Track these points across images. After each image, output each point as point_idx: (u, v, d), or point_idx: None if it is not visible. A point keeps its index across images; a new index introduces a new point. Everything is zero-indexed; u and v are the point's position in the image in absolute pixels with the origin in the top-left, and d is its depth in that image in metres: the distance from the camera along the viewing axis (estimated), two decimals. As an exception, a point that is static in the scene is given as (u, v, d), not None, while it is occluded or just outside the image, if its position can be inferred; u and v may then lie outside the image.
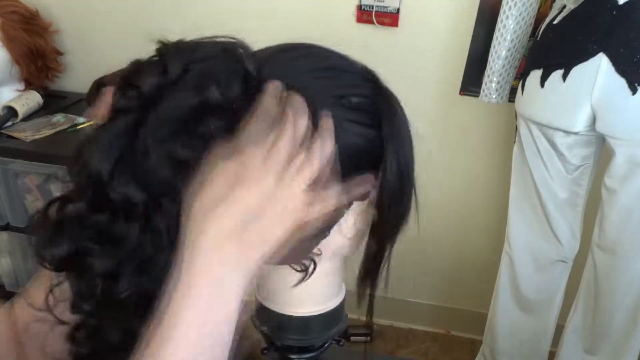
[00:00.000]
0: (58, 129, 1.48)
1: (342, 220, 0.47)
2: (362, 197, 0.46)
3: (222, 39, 0.43)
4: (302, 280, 0.50)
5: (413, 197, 0.47)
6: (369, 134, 0.43)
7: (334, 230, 0.47)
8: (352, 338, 1.84)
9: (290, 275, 0.51)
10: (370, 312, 0.52)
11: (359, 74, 0.46)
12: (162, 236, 0.38)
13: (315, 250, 0.48)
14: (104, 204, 0.38)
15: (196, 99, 0.38)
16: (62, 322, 0.43)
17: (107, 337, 0.41)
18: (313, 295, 0.56)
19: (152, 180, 0.37)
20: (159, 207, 0.38)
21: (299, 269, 0.49)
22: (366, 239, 0.51)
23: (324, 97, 0.42)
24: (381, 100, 0.45)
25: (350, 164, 0.42)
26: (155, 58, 0.41)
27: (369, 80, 0.46)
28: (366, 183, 0.45)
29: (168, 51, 0.41)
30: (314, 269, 0.49)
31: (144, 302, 0.38)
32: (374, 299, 0.52)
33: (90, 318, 0.41)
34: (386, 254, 0.50)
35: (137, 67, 0.41)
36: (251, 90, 0.39)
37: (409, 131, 0.47)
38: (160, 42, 0.41)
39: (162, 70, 0.39)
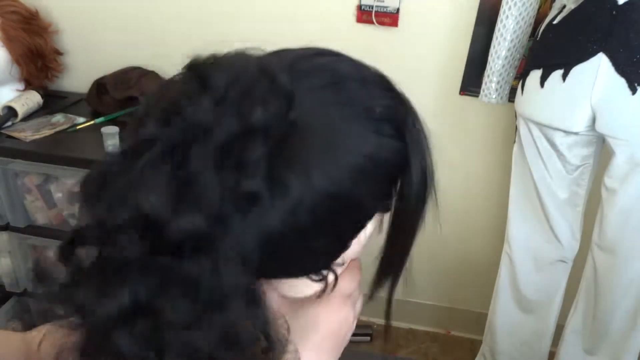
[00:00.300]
0: (58, 129, 1.48)
1: (361, 232, 0.47)
2: (386, 209, 0.47)
3: (252, 52, 0.41)
4: (324, 291, 0.49)
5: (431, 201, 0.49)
6: (393, 144, 0.43)
7: (354, 242, 0.47)
8: (352, 338, 1.84)
9: (306, 287, 0.50)
10: (388, 315, 0.56)
11: (378, 83, 0.45)
12: (227, 267, 0.36)
13: (338, 261, 0.47)
14: (161, 244, 0.35)
15: (241, 124, 0.36)
16: None
17: None
18: None
19: (209, 212, 0.35)
20: (221, 239, 0.36)
21: (316, 278, 0.48)
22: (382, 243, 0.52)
23: (346, 111, 0.41)
24: (401, 109, 0.45)
25: (383, 177, 0.43)
26: (184, 83, 0.39)
27: (387, 90, 0.46)
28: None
29: (210, 70, 0.38)
30: (336, 280, 0.49)
31: (220, 340, 0.37)
32: (391, 303, 0.55)
33: None
34: (405, 260, 0.51)
35: (180, 90, 0.38)
36: (285, 108, 0.38)
37: (428, 139, 0.47)
38: (195, 59, 0.39)
39: (195, 97, 0.37)
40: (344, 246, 0.46)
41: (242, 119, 0.36)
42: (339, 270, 0.49)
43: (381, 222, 0.49)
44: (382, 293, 0.55)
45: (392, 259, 0.52)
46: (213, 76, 0.38)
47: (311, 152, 0.39)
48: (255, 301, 0.39)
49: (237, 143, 0.36)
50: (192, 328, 0.36)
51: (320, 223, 0.41)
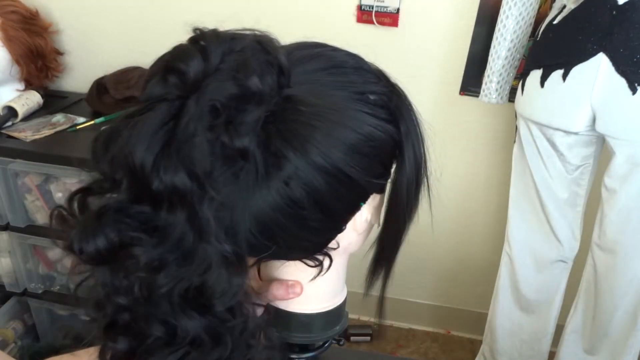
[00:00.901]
0: (58, 128, 1.48)
1: (357, 215, 0.47)
2: (380, 190, 0.49)
3: (255, 32, 0.43)
4: (319, 275, 0.51)
5: (424, 191, 0.50)
6: (388, 128, 0.45)
7: (349, 225, 0.48)
8: (352, 338, 1.84)
9: (301, 272, 0.51)
10: (380, 309, 0.55)
11: (375, 73, 0.48)
12: (207, 226, 0.38)
13: (331, 245, 0.48)
14: (145, 194, 0.38)
15: (237, 88, 0.38)
16: None
17: (145, 331, 0.40)
18: (319, 292, 0.56)
19: (196, 170, 0.37)
20: (203, 198, 0.37)
21: (312, 264, 0.49)
22: (376, 235, 0.53)
23: (343, 92, 0.44)
24: (396, 97, 0.47)
25: (376, 155, 0.45)
26: (194, 44, 0.40)
27: (383, 79, 0.48)
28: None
29: (208, 38, 0.40)
30: (330, 264, 0.50)
31: (187, 295, 0.39)
32: (384, 297, 0.54)
33: (124, 313, 0.41)
34: (398, 248, 0.52)
35: (178, 53, 0.40)
36: (282, 83, 0.40)
37: (422, 129, 0.49)
38: (198, 29, 0.41)
39: (205, 57, 0.39)
40: (338, 227, 0.47)
41: (238, 83, 0.38)
42: (334, 254, 0.49)
43: (378, 210, 0.50)
44: (377, 292, 0.55)
45: (385, 251, 0.53)
46: (213, 43, 0.39)
47: (307, 127, 0.41)
48: (227, 269, 0.39)
49: (231, 104, 0.38)
50: (157, 275, 0.38)
51: (314, 198, 0.42)
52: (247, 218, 0.41)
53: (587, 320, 1.41)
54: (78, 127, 1.50)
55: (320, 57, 0.45)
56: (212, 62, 0.39)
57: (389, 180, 0.49)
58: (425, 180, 0.50)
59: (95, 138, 0.40)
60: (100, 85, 1.57)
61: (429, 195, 0.51)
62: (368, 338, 1.86)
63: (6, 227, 1.52)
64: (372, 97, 0.45)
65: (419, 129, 0.48)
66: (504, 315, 1.52)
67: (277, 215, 0.41)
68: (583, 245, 1.38)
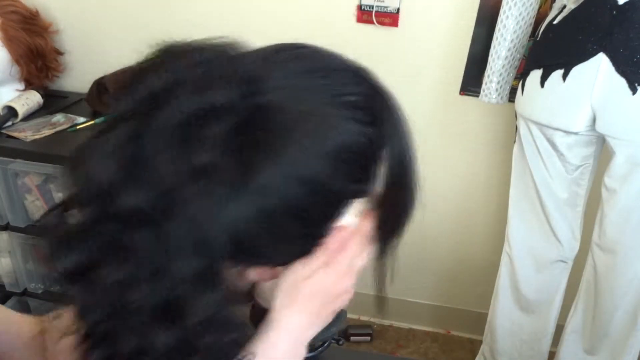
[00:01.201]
0: (58, 128, 1.48)
1: (343, 220, 0.47)
2: (361, 195, 0.47)
3: (218, 40, 0.42)
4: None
5: (416, 192, 0.49)
6: (368, 132, 0.43)
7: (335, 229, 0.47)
8: (352, 338, 1.84)
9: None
10: (381, 309, 0.55)
11: (355, 73, 0.46)
12: (175, 243, 0.38)
13: (320, 248, 0.48)
14: (111, 213, 0.38)
15: (198, 102, 0.37)
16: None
17: (119, 344, 0.40)
18: None
19: (160, 188, 0.37)
20: (169, 215, 0.37)
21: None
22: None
23: (321, 96, 0.42)
24: (378, 98, 0.46)
25: (353, 161, 0.43)
26: (152, 61, 0.40)
27: (364, 79, 0.46)
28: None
29: (166, 54, 0.40)
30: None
31: (158, 309, 0.39)
32: (384, 297, 0.53)
33: (99, 325, 0.41)
34: (392, 250, 0.51)
35: (135, 72, 0.40)
36: (249, 92, 0.39)
37: (407, 127, 0.47)
38: (157, 44, 0.41)
39: (161, 74, 0.39)
40: (322, 233, 0.46)
41: (198, 98, 0.37)
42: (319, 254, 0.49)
43: (369, 212, 0.49)
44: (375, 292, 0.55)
45: (380, 252, 0.52)
46: (173, 57, 0.39)
47: (280, 137, 0.40)
48: (198, 284, 0.39)
49: (191, 120, 0.37)
50: (127, 291, 0.38)
51: (289, 208, 0.41)
52: (222, 230, 0.40)
53: (587, 320, 1.41)
54: (78, 127, 1.50)
55: (296, 60, 0.44)
56: (171, 77, 0.38)
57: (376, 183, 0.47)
58: (414, 180, 0.48)
59: (68, 156, 0.40)
60: (100, 85, 1.57)
61: (419, 193, 0.49)
62: (368, 338, 1.86)
63: (6, 227, 1.52)
64: (352, 98, 0.44)
65: (403, 129, 0.47)
66: (504, 315, 1.52)
67: (252, 226, 0.41)
68: (583, 245, 1.38)
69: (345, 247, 0.48)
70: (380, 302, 0.54)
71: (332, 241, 0.47)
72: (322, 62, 0.45)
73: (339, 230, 0.47)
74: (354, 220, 0.48)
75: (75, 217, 0.40)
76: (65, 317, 0.46)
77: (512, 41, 1.29)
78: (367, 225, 0.49)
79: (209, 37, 0.43)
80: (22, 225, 1.51)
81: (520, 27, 1.28)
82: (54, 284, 0.41)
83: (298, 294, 0.48)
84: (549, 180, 1.30)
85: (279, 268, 0.50)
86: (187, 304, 0.39)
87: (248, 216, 0.40)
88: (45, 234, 0.41)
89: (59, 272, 0.39)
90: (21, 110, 1.49)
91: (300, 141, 0.40)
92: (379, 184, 0.46)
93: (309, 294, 0.48)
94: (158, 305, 0.39)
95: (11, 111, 1.48)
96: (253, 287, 0.60)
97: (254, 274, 0.52)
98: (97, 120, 1.51)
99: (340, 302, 0.51)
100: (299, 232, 0.44)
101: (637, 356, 1.36)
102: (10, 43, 1.47)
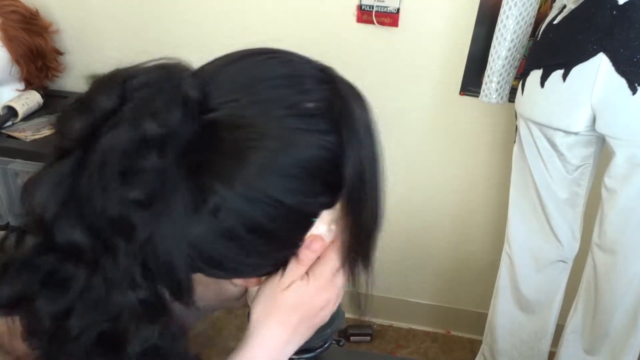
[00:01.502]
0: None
1: (313, 230, 0.46)
2: (327, 206, 0.45)
3: (162, 62, 0.41)
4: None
5: (382, 200, 0.47)
6: (327, 141, 0.42)
7: (306, 240, 0.46)
8: (352, 338, 1.84)
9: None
10: (361, 312, 0.53)
11: (315, 77, 0.44)
12: (113, 278, 0.37)
13: (294, 258, 0.48)
14: (51, 245, 0.37)
15: (133, 134, 0.36)
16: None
17: None
18: None
19: (99, 222, 0.36)
20: (108, 250, 0.37)
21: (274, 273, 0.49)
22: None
23: (276, 107, 0.40)
24: (338, 102, 0.43)
25: (313, 176, 0.42)
26: (87, 95, 0.39)
27: (325, 82, 0.44)
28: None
29: (100, 85, 0.39)
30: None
31: (98, 338, 0.39)
32: (366, 299, 0.52)
33: (44, 350, 0.41)
34: (367, 258, 0.49)
35: (65, 110, 0.39)
36: (194, 114, 0.38)
37: (370, 130, 0.45)
38: (92, 76, 0.40)
39: (94, 107, 0.38)
40: (291, 246, 0.46)
41: (133, 129, 0.36)
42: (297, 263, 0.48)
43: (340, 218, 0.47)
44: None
45: (353, 255, 0.50)
46: (107, 88, 0.38)
47: (230, 157, 0.38)
48: (140, 315, 0.39)
49: (129, 152, 0.36)
50: (66, 321, 0.38)
51: (249, 227, 0.40)
52: (185, 249, 0.39)
53: (587, 320, 1.41)
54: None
55: (248, 71, 0.42)
56: (102, 110, 0.37)
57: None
58: (378, 184, 0.46)
59: (25, 181, 0.40)
60: (100, 85, 1.57)
61: (383, 196, 0.47)
62: (368, 338, 1.86)
63: (6, 227, 1.52)
64: (310, 105, 0.42)
65: (365, 132, 0.44)
66: (504, 315, 1.52)
67: (215, 245, 0.40)
68: (583, 245, 1.38)
69: (323, 258, 0.48)
70: (360, 300, 0.52)
71: (306, 252, 0.46)
72: (283, 70, 0.43)
73: (312, 240, 0.46)
74: (327, 228, 0.47)
75: (16, 251, 0.40)
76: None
77: (512, 41, 1.29)
78: (341, 233, 0.47)
79: (154, 58, 0.41)
80: (22, 225, 1.51)
81: (520, 27, 1.28)
82: None
83: (276, 304, 0.48)
84: (549, 180, 1.30)
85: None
86: (127, 334, 0.39)
87: (209, 236, 0.39)
88: None
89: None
90: (21, 110, 1.49)
91: (255, 161, 0.39)
92: (344, 192, 0.44)
93: (288, 306, 0.48)
94: (98, 335, 0.39)
95: (11, 111, 1.48)
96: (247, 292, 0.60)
97: (238, 280, 0.52)
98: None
99: (321, 318, 0.50)
100: (265, 248, 0.43)
101: (637, 356, 1.36)
102: (10, 43, 1.47)
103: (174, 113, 0.37)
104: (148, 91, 0.38)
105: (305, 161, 0.41)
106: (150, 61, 0.41)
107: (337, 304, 0.52)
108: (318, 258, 0.48)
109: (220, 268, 0.43)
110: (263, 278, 0.50)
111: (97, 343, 0.39)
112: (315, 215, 0.45)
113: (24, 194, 0.39)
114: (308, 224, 0.45)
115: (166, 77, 0.39)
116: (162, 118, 0.37)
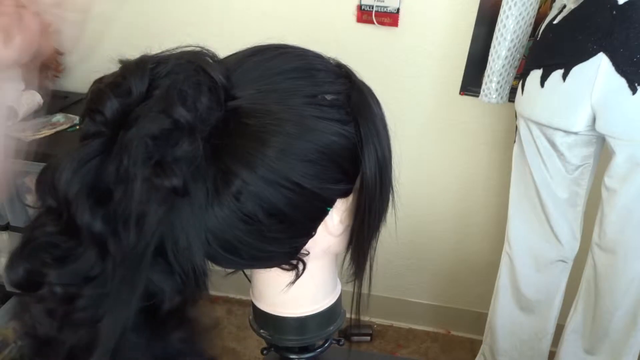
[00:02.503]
0: (58, 128, 1.48)
1: (327, 219, 0.46)
2: (344, 194, 0.46)
3: (188, 49, 0.42)
4: (293, 282, 0.50)
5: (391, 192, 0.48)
6: (346, 130, 0.43)
7: (321, 229, 0.47)
8: (352, 338, 1.84)
9: (280, 276, 0.51)
10: (357, 310, 0.53)
11: (332, 71, 0.46)
12: (118, 264, 0.37)
13: (303, 251, 0.48)
14: (71, 226, 0.37)
15: (164, 121, 0.36)
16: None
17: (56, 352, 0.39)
18: (308, 295, 0.56)
19: (123, 206, 0.36)
20: (125, 234, 0.36)
21: (287, 267, 0.49)
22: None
23: (298, 97, 0.42)
24: (356, 95, 0.45)
25: (331, 162, 0.43)
26: (117, 78, 0.40)
27: (342, 76, 0.46)
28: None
29: (129, 70, 0.39)
30: (304, 269, 0.49)
31: (94, 325, 0.38)
32: (360, 297, 0.52)
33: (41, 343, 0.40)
34: (369, 251, 0.50)
35: (100, 90, 0.39)
36: (220, 100, 0.39)
37: (385, 125, 0.47)
38: (121, 60, 0.41)
39: (125, 91, 0.38)
40: (306, 234, 0.46)
41: (164, 117, 0.36)
42: (311, 258, 0.48)
43: (352, 210, 0.48)
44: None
45: (354, 252, 0.51)
46: (135, 74, 0.38)
47: (254, 142, 0.39)
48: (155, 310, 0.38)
49: (160, 140, 0.36)
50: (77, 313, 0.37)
51: (269, 211, 0.41)
52: (203, 235, 0.40)
53: (587, 320, 1.41)
54: (78, 127, 1.50)
55: (273, 61, 0.44)
56: (134, 95, 0.38)
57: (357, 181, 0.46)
58: (390, 176, 0.48)
59: (40, 172, 0.39)
60: (100, 85, 1.57)
61: (393, 196, 0.49)
62: (368, 338, 1.86)
63: (6, 227, 1.52)
64: (328, 97, 0.43)
65: (381, 126, 0.46)
66: (504, 315, 1.52)
67: (234, 231, 0.41)
68: (583, 245, 1.38)
69: None
70: (357, 303, 0.53)
71: None
72: (300, 62, 0.44)
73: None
74: (339, 220, 0.47)
75: (36, 232, 0.39)
76: None
77: (512, 41, 1.29)
78: (351, 221, 0.48)
79: (180, 46, 0.42)
80: (22, 225, 1.51)
81: (520, 27, 1.28)
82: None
83: None
84: (549, 180, 1.30)
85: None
86: (136, 327, 0.38)
87: (229, 221, 0.40)
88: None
89: (12, 281, 0.39)
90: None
91: (276, 146, 0.40)
92: (358, 182, 0.46)
93: None
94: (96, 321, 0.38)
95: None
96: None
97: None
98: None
99: None
100: (282, 234, 0.44)
101: (637, 356, 1.36)
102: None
103: (203, 99, 0.38)
104: (176, 77, 0.38)
105: (324, 147, 0.42)
106: (177, 48, 0.42)
107: None
108: None
109: (236, 254, 0.43)
110: None
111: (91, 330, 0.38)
112: (331, 203, 0.46)
113: (44, 174, 0.38)
114: (323, 211, 0.46)
115: (193, 63, 0.39)
116: (192, 105, 0.37)
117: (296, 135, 0.41)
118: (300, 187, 0.41)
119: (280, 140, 0.40)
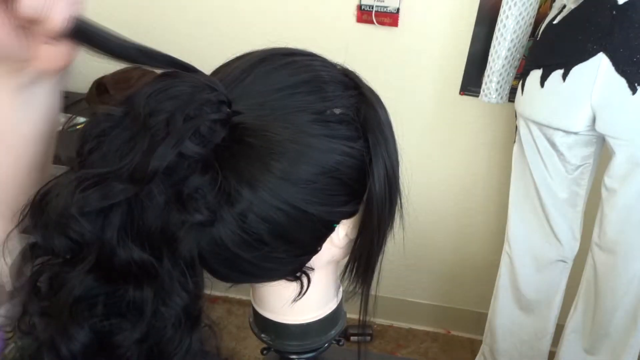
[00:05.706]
0: (58, 128, 1.48)
1: (333, 234, 0.46)
2: (351, 215, 0.45)
3: (175, 71, 0.39)
4: (298, 296, 0.49)
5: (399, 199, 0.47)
6: (354, 148, 0.42)
7: (326, 243, 0.46)
8: (352, 338, 1.84)
9: (284, 288, 0.50)
10: (364, 313, 0.52)
11: (340, 82, 0.43)
12: (172, 287, 0.36)
13: (309, 265, 0.47)
14: (109, 272, 0.35)
15: (175, 152, 0.35)
16: None
17: None
18: (311, 302, 0.55)
19: (152, 237, 0.36)
20: (162, 263, 0.36)
21: (291, 279, 0.48)
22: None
23: (304, 114, 0.40)
24: (365, 108, 0.43)
25: (338, 185, 0.41)
26: (117, 112, 0.38)
27: (350, 87, 0.44)
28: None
29: (128, 102, 0.38)
30: (309, 284, 0.48)
31: (144, 354, 0.37)
32: (368, 301, 0.52)
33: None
34: (377, 257, 0.49)
35: (101, 120, 0.39)
36: (224, 119, 0.38)
37: (393, 134, 0.45)
38: (126, 97, 0.38)
39: (126, 124, 0.37)
40: (311, 251, 0.45)
41: (177, 146, 0.35)
42: (311, 273, 0.48)
43: (358, 224, 0.47)
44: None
45: (359, 268, 0.50)
46: (136, 105, 0.37)
47: (257, 164, 0.38)
48: (191, 326, 0.38)
49: (175, 173, 0.36)
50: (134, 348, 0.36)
51: (274, 232, 0.40)
52: (206, 254, 0.39)
53: (587, 320, 1.41)
54: (78, 127, 1.49)
55: (275, 73, 0.41)
56: (136, 127, 0.36)
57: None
58: (398, 187, 0.47)
59: (30, 205, 0.38)
60: (101, 85, 1.57)
61: (401, 202, 0.48)
62: (368, 338, 1.86)
63: (6, 227, 1.52)
64: (337, 111, 0.41)
65: (390, 135, 0.44)
66: (504, 315, 1.52)
67: (237, 249, 0.40)
68: (583, 245, 1.38)
69: None
70: (368, 302, 0.52)
71: None
72: (307, 75, 0.42)
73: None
74: (345, 234, 0.47)
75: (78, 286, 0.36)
76: None
77: (512, 41, 1.29)
78: (357, 233, 0.47)
79: (169, 59, 0.40)
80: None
81: (520, 27, 1.28)
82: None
83: None
84: (548, 180, 1.30)
85: None
86: (171, 345, 0.38)
87: (232, 240, 0.39)
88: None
89: (73, 353, 0.36)
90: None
91: (278, 171, 0.38)
92: (369, 198, 0.44)
93: None
94: (144, 351, 0.37)
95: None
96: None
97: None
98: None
99: None
100: (286, 254, 0.43)
101: (637, 356, 1.36)
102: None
103: (210, 125, 0.37)
104: (175, 104, 0.36)
105: (331, 170, 0.40)
106: (160, 69, 0.40)
107: None
108: None
109: (238, 271, 0.43)
110: None
111: (141, 357, 0.37)
112: (333, 223, 0.45)
113: (60, 217, 0.35)
114: (330, 229, 0.45)
115: (190, 86, 0.37)
116: (200, 133, 0.36)
117: (301, 159, 0.39)
118: (305, 213, 0.40)
119: (283, 166, 0.38)
